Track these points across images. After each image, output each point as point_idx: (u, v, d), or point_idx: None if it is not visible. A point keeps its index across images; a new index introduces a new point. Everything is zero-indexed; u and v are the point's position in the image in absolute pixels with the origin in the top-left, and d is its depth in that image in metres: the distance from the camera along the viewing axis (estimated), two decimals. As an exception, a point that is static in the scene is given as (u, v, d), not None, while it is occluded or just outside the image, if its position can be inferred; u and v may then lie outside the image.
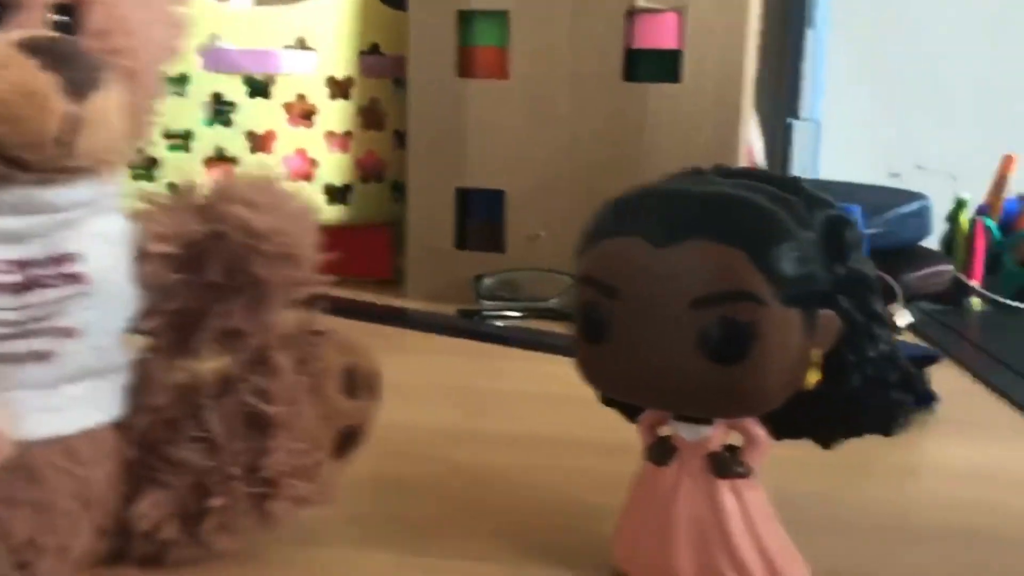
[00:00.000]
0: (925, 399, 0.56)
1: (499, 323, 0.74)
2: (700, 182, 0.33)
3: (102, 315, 0.33)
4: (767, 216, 0.31)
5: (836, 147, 1.01)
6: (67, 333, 0.32)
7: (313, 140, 0.81)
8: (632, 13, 0.73)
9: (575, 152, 0.76)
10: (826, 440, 0.34)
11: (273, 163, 0.80)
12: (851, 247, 0.32)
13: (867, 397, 0.32)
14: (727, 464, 0.33)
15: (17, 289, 0.31)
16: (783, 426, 0.34)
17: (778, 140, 0.97)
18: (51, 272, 0.32)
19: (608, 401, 0.37)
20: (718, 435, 0.33)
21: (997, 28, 1.07)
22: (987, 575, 0.37)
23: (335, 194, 0.83)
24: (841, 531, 0.40)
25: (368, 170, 0.84)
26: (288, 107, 0.81)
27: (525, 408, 0.55)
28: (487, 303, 0.76)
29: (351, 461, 0.37)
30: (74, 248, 0.32)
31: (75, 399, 0.33)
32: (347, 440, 0.37)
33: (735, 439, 0.34)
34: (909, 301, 0.80)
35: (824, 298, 0.31)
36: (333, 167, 0.82)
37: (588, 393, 0.36)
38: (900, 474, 0.48)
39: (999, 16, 1.08)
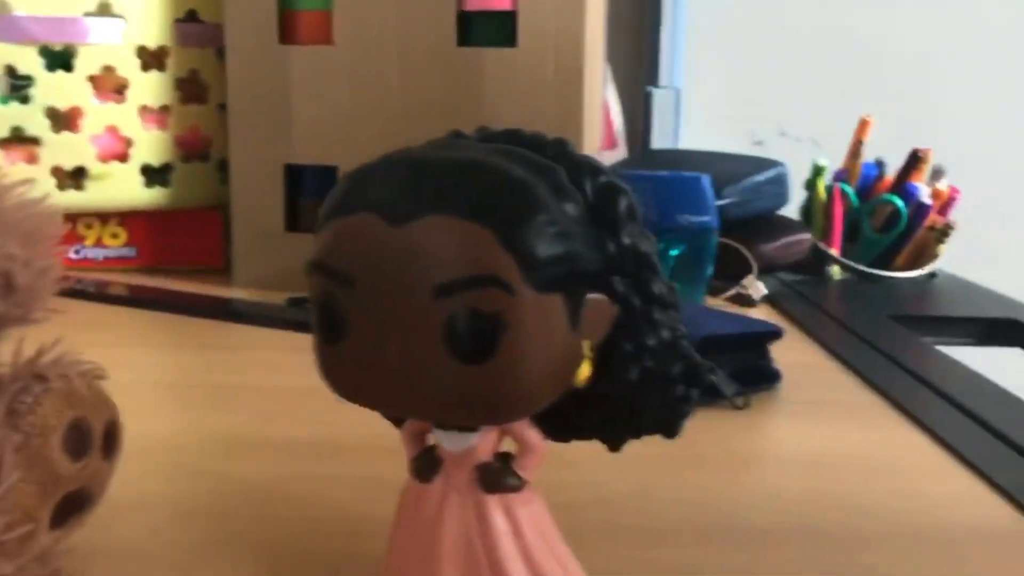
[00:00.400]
0: (767, 379, 0.53)
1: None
2: (452, 148, 0.28)
3: None
4: (518, 186, 0.26)
5: (698, 115, 0.98)
6: None
7: (126, 116, 0.74)
8: (463, -28, 0.68)
9: (410, 123, 0.70)
10: (611, 441, 0.29)
11: (81, 142, 0.73)
12: (625, 220, 0.27)
13: (647, 393, 0.27)
14: (496, 476, 0.28)
15: None
16: (563, 427, 0.29)
17: (638, 108, 0.93)
18: None
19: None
20: (486, 443, 0.28)
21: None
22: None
23: (154, 175, 0.76)
24: (658, 537, 0.36)
25: (190, 148, 0.78)
26: (95, 80, 0.73)
27: (333, 408, 0.49)
28: (320, 289, 0.70)
29: (80, 527, 0.31)
30: None
31: None
32: (72, 507, 0.30)
33: (511, 446, 0.29)
34: (767, 272, 0.77)
35: (593, 281, 0.26)
36: (150, 145, 0.75)
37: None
38: (735, 464, 0.44)
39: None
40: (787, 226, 0.80)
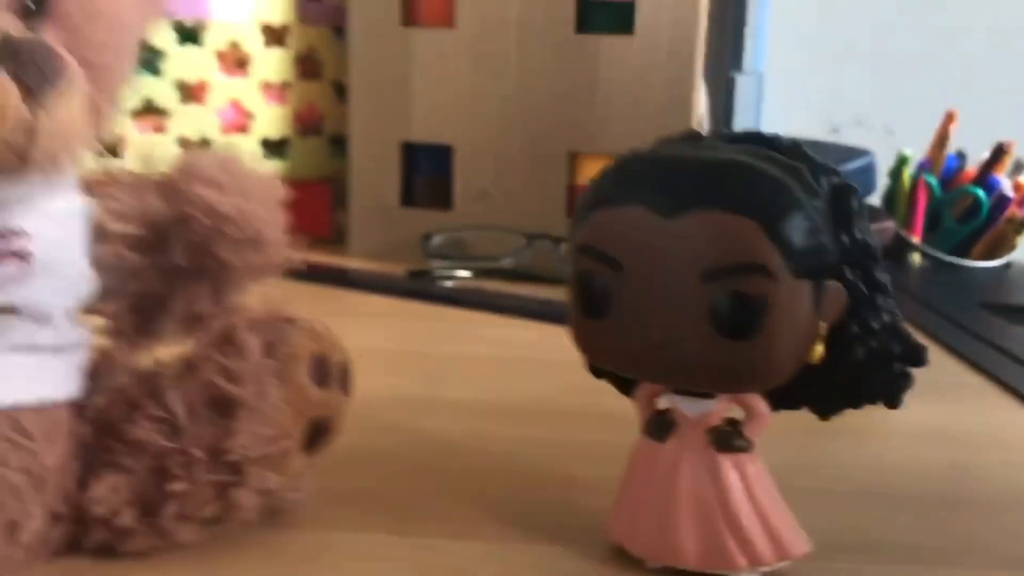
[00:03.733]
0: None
1: (448, 283, 0.72)
2: (704, 148, 0.32)
3: (49, 294, 0.31)
4: (779, 185, 0.29)
5: (777, 100, 1.01)
6: (8, 309, 0.30)
7: (248, 91, 0.78)
8: (585, -39, 0.71)
9: (525, 105, 0.73)
10: (826, 411, 0.33)
11: (206, 115, 0.77)
12: (857, 216, 0.31)
13: (871, 369, 0.31)
14: (729, 438, 0.32)
15: None
16: (783, 398, 0.33)
17: (721, 93, 0.96)
18: None
19: (598, 372, 0.35)
20: (721, 409, 0.32)
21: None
22: (971, 537, 0.37)
23: (272, 148, 0.80)
24: (822, 497, 0.40)
25: (306, 123, 0.81)
26: (221, 55, 0.76)
27: (485, 373, 0.54)
28: (436, 262, 0.74)
29: (320, 455, 0.35)
30: (19, 225, 0.30)
31: (20, 371, 0.31)
32: (317, 433, 0.34)
33: (734, 412, 0.33)
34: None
35: (832, 269, 0.30)
36: (270, 119, 0.79)
37: (548, 358, 0.34)
38: (870, 435, 0.48)
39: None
40: (872, 214, 0.83)
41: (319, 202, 0.83)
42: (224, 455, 0.32)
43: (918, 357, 0.32)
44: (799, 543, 0.33)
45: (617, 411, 0.35)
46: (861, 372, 0.31)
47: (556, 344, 0.38)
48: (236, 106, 0.78)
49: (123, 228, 0.33)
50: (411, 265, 0.74)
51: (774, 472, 0.42)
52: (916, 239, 0.85)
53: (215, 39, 0.76)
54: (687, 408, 0.32)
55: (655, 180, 0.30)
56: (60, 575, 0.32)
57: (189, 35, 0.75)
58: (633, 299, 0.30)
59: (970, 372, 0.58)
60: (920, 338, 0.64)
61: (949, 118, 0.85)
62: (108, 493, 0.32)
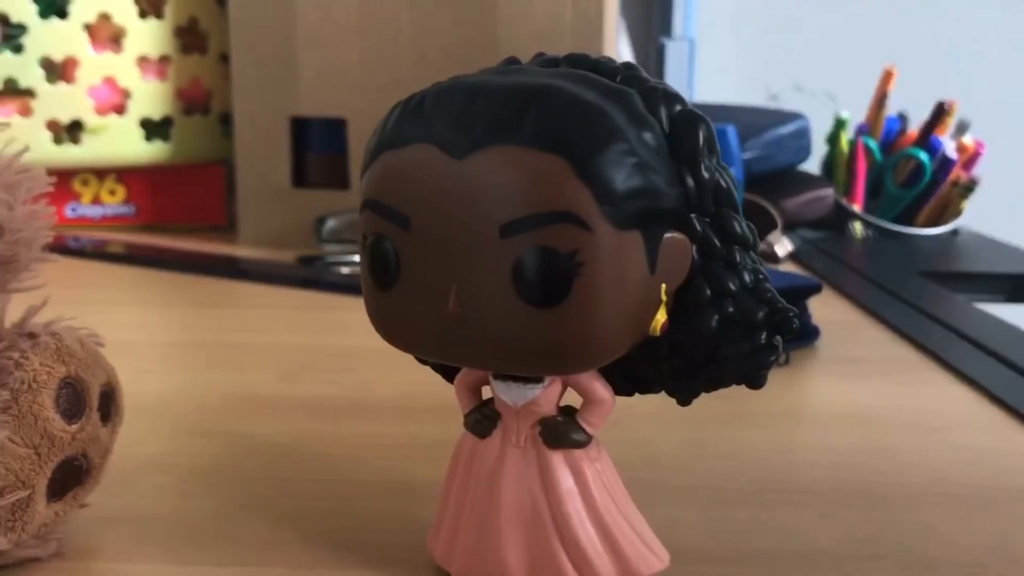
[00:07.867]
0: (807, 335, 0.51)
1: (344, 270, 0.66)
2: (513, 74, 0.26)
3: None
4: (593, 112, 0.23)
5: (711, 68, 0.95)
6: None
7: (123, 67, 0.71)
8: (479, -88, 0.65)
9: (422, 72, 0.67)
10: (683, 395, 0.27)
11: (77, 94, 0.70)
12: (704, 152, 0.25)
13: (728, 341, 0.25)
14: (562, 431, 0.26)
15: None
16: (631, 379, 0.27)
17: (651, 60, 0.90)
18: None
19: (421, 359, 0.29)
20: (549, 396, 0.26)
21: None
22: (878, 539, 0.31)
23: (154, 129, 0.73)
24: (711, 495, 0.34)
25: (191, 101, 0.74)
26: (91, 29, 0.70)
27: (362, 366, 0.47)
28: (330, 248, 0.68)
29: (80, 503, 0.29)
30: None
31: None
32: (70, 477, 0.28)
33: (573, 399, 0.27)
34: (788, 229, 0.75)
35: (671, 217, 0.24)
36: (149, 97, 0.72)
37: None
38: (782, 421, 0.42)
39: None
40: (809, 181, 0.77)
41: (211, 187, 0.77)
42: None
43: (786, 324, 0.26)
44: (651, 560, 0.27)
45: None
46: (717, 344, 0.25)
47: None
48: (111, 84, 0.71)
49: None
50: (305, 251, 0.68)
51: (655, 461, 0.36)
52: (857, 207, 0.79)
53: (83, 11, 0.69)
54: (507, 396, 0.26)
55: (444, 114, 0.24)
56: None
57: (52, 8, 0.69)
58: (425, 263, 0.24)
59: (901, 345, 0.53)
60: (851, 311, 0.60)
61: (887, 77, 0.79)
62: None
